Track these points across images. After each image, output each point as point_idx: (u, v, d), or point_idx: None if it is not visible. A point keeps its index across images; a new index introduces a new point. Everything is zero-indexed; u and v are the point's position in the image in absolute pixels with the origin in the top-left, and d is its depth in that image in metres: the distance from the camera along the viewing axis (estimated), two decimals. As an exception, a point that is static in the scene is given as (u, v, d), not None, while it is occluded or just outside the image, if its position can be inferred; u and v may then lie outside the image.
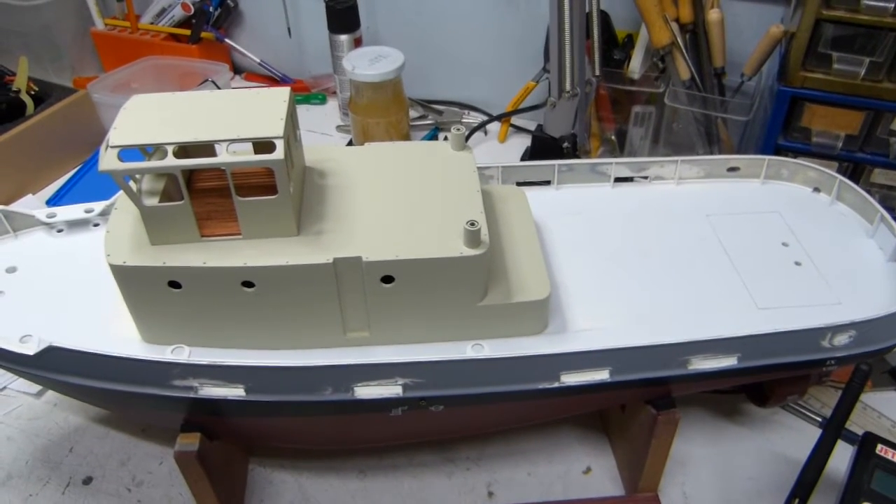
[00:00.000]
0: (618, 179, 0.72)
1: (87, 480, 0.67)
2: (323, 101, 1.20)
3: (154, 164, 0.48)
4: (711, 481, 0.67)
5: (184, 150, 0.49)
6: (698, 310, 0.59)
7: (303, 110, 1.19)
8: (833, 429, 0.54)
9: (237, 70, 1.29)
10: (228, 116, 0.50)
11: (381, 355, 0.53)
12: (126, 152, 0.48)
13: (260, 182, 0.52)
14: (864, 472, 0.56)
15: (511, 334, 0.55)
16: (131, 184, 0.49)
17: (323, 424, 0.58)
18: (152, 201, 0.50)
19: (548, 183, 0.71)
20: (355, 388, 0.52)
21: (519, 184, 0.71)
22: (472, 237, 0.50)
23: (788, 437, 0.70)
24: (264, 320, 0.52)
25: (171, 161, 0.47)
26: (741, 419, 0.71)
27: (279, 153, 0.47)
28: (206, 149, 0.50)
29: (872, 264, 0.64)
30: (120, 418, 0.72)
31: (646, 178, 0.73)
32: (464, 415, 0.58)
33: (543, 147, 1.02)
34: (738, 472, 0.67)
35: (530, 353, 0.52)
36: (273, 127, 0.48)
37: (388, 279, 0.51)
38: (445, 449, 0.70)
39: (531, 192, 0.69)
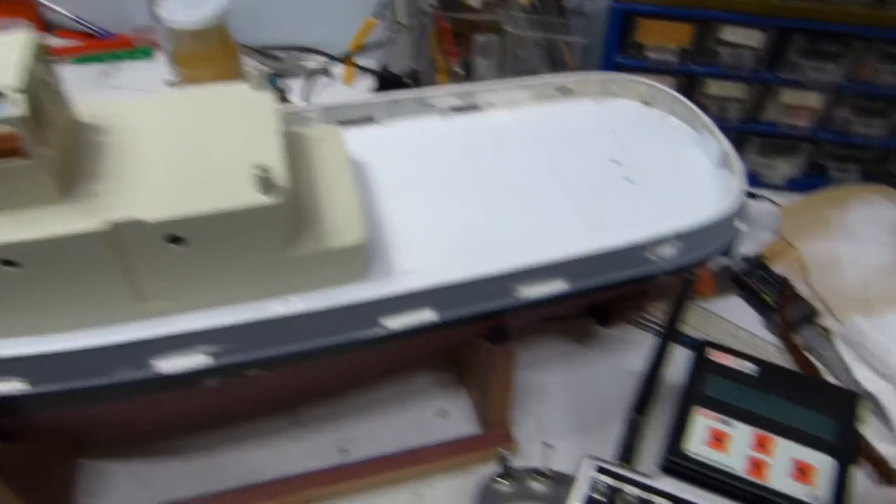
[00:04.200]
0: (451, 110, 0.69)
1: None
2: (149, 55, 1.10)
3: None
4: (567, 407, 0.67)
5: None
6: (528, 238, 0.56)
7: (128, 67, 1.09)
8: (663, 339, 0.54)
9: (48, 27, 1.16)
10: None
11: (184, 324, 0.48)
12: None
13: (8, 146, 0.45)
14: (699, 378, 0.57)
15: (330, 283, 0.51)
16: None
17: (141, 406, 0.53)
18: None
19: (373, 120, 0.67)
20: (155, 364, 0.47)
21: (343, 123, 0.66)
22: (265, 184, 0.46)
23: (640, 354, 0.70)
24: (39, 301, 0.46)
25: None
26: (593, 342, 0.71)
27: (16, 110, 0.41)
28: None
29: (701, 174, 0.63)
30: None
31: (476, 106, 0.69)
32: (291, 375, 0.54)
33: (388, 85, 0.98)
34: (592, 394, 0.67)
35: (343, 300, 0.48)
36: (5, 78, 0.42)
37: (177, 239, 0.46)
38: (294, 412, 0.66)
39: (356, 132, 0.65)
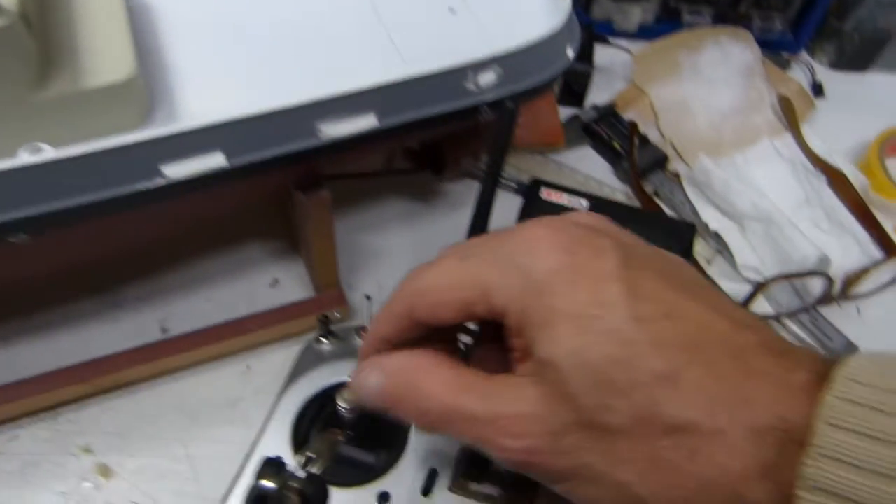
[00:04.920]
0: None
1: None
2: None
3: None
4: (408, 266, 0.62)
5: None
6: (334, 71, 0.51)
7: None
8: (489, 177, 0.50)
9: None
10: None
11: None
12: None
13: None
14: (530, 217, 0.53)
15: (101, 132, 0.44)
16: None
17: None
18: None
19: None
20: None
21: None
22: (-19, 1, 0.38)
23: (487, 208, 0.67)
24: None
25: None
26: (433, 199, 0.67)
27: None
28: None
29: (530, 3, 0.58)
30: None
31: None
32: (78, 241, 0.48)
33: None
34: (432, 251, 0.62)
35: (107, 144, 0.41)
36: None
37: None
38: (110, 293, 0.60)
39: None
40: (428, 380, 0.33)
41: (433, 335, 0.36)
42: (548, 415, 0.29)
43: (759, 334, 0.30)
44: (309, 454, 0.27)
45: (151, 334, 0.58)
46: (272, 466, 0.27)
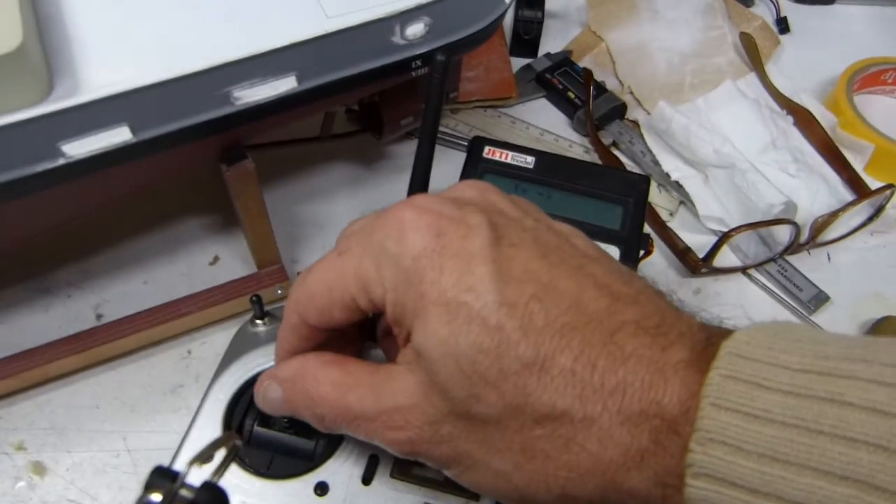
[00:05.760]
0: None
1: None
2: None
3: None
4: (354, 235, 0.60)
5: None
6: (253, 31, 0.47)
7: None
8: (424, 137, 0.46)
9: None
10: None
11: None
12: None
13: None
14: (472, 176, 0.51)
15: (-4, 110, 0.41)
16: None
17: None
18: None
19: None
20: None
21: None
22: None
23: (438, 169, 0.63)
24: None
25: None
26: (377, 163, 0.64)
27: None
28: None
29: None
30: None
31: None
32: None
33: None
34: (380, 217, 0.61)
35: (-6, 124, 0.38)
36: None
37: None
38: (39, 279, 0.57)
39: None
40: (317, 385, 0.32)
41: (347, 330, 0.34)
42: (425, 405, 0.29)
43: (640, 310, 0.28)
44: (195, 461, 0.25)
45: (85, 321, 0.55)
46: (159, 476, 0.24)
